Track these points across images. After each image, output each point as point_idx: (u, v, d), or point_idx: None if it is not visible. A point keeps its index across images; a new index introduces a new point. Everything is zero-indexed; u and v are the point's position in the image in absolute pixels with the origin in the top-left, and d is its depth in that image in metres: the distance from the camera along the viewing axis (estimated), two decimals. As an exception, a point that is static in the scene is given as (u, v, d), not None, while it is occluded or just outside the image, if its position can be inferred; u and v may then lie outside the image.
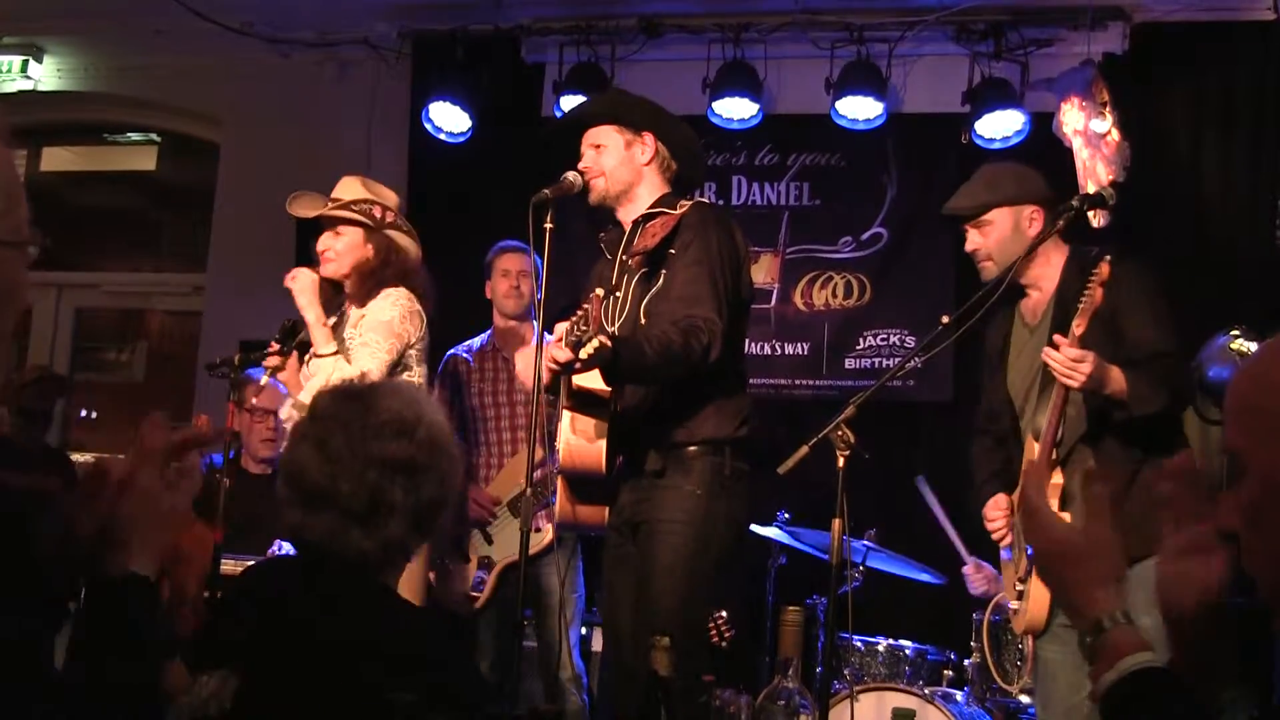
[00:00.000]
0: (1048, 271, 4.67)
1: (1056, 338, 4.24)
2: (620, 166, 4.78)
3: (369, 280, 5.17)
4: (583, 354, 4.02)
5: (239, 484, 5.61)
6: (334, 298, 5.24)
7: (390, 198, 5.32)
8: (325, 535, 2.71)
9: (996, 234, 4.69)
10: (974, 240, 4.75)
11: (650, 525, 4.56)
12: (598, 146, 4.80)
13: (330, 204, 5.21)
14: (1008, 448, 4.82)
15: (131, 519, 2.15)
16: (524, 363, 5.03)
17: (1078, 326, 4.19)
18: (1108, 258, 4.18)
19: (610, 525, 4.74)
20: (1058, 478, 4.41)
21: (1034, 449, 4.50)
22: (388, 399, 2.81)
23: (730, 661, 6.31)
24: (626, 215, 4.83)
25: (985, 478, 4.88)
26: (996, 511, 4.70)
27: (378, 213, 5.22)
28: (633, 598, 4.60)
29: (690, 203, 4.73)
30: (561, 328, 4.21)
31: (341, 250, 5.17)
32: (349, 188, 5.28)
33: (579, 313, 4.09)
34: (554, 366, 4.29)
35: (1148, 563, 4.15)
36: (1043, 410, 4.45)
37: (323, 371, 4.91)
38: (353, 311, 5.19)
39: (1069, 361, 4.17)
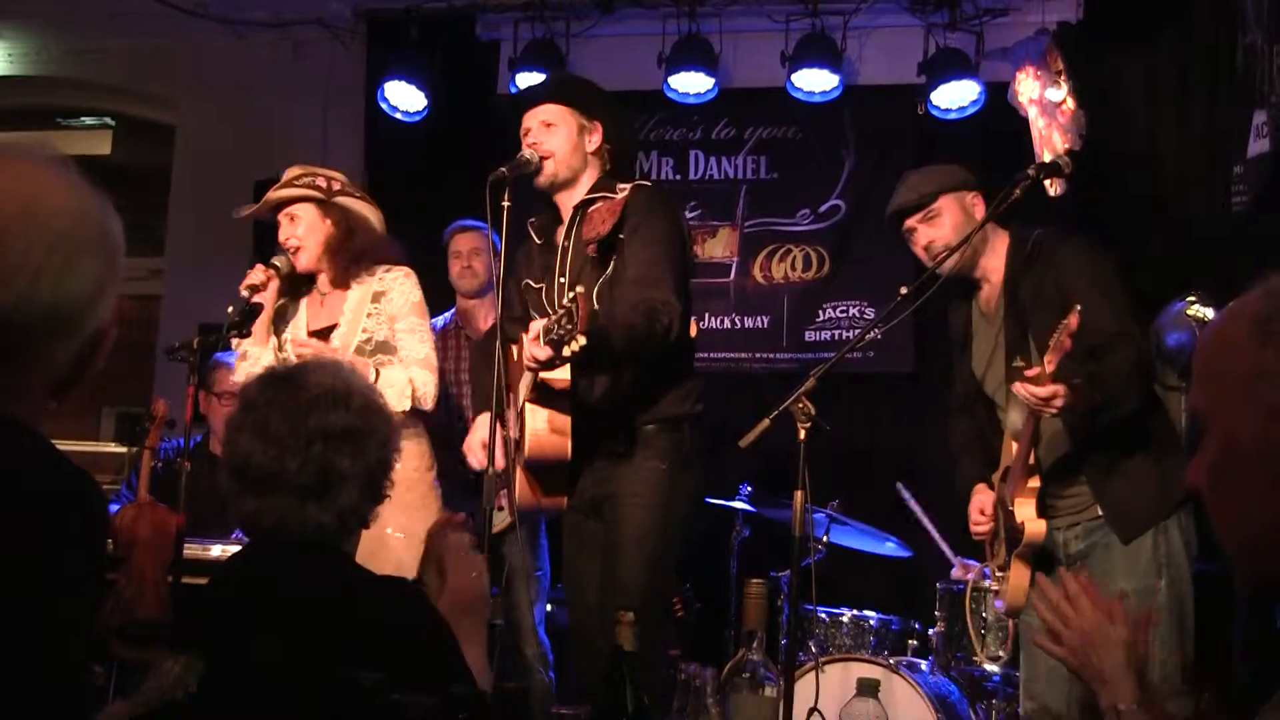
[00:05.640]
0: (994, 261, 4.65)
1: (1027, 374, 4.13)
2: (573, 152, 4.73)
3: (342, 256, 5.06)
4: (566, 353, 3.96)
5: (205, 468, 5.57)
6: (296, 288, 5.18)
7: (337, 174, 5.22)
8: (280, 517, 2.74)
9: (950, 221, 4.65)
10: (926, 235, 4.69)
11: (615, 500, 4.58)
12: (549, 125, 4.74)
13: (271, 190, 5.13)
14: (982, 427, 4.80)
15: None
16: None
17: (1049, 364, 4.04)
18: (1078, 307, 3.97)
19: (570, 505, 4.74)
20: (1034, 482, 4.40)
21: (1012, 449, 4.48)
22: (316, 374, 2.88)
23: (695, 635, 6.35)
24: (566, 200, 4.79)
25: (968, 463, 4.86)
26: (981, 517, 4.66)
27: (323, 183, 5.10)
28: (597, 573, 4.61)
29: (630, 185, 4.69)
30: (538, 325, 4.14)
31: (304, 234, 5.03)
32: (289, 172, 5.17)
33: (561, 308, 4.03)
34: (534, 365, 4.24)
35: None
36: (1016, 404, 4.36)
37: (394, 383, 4.88)
38: (350, 293, 5.09)
39: (1040, 400, 4.09)
